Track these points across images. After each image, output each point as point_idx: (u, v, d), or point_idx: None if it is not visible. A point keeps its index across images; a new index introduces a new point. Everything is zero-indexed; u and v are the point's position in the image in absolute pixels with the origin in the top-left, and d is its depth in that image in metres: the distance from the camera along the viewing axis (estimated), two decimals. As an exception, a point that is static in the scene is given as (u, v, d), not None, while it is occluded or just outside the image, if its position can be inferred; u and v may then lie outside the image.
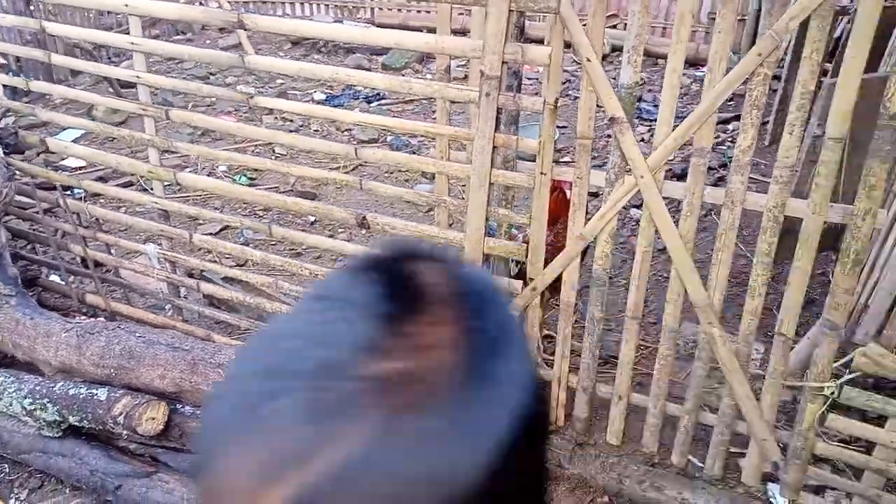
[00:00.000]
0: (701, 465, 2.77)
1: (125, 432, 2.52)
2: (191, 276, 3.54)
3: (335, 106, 6.88)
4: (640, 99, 6.32)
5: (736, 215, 2.36)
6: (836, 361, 2.36)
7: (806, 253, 2.29)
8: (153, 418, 2.54)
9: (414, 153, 5.80)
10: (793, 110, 2.15)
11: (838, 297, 2.28)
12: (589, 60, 2.38)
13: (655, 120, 2.42)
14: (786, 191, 2.26)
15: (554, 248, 2.75)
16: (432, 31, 2.78)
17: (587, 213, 2.64)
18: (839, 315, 2.30)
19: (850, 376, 2.30)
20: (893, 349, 2.23)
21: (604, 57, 7.61)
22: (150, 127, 3.09)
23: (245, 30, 2.62)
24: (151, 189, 3.23)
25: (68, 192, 3.59)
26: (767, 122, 5.89)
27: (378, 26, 9.92)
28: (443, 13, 2.59)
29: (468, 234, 2.60)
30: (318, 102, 6.92)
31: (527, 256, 2.72)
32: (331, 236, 4.48)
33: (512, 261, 2.95)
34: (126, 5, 2.84)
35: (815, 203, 2.22)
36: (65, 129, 5.49)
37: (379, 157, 2.67)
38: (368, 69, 7.89)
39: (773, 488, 2.65)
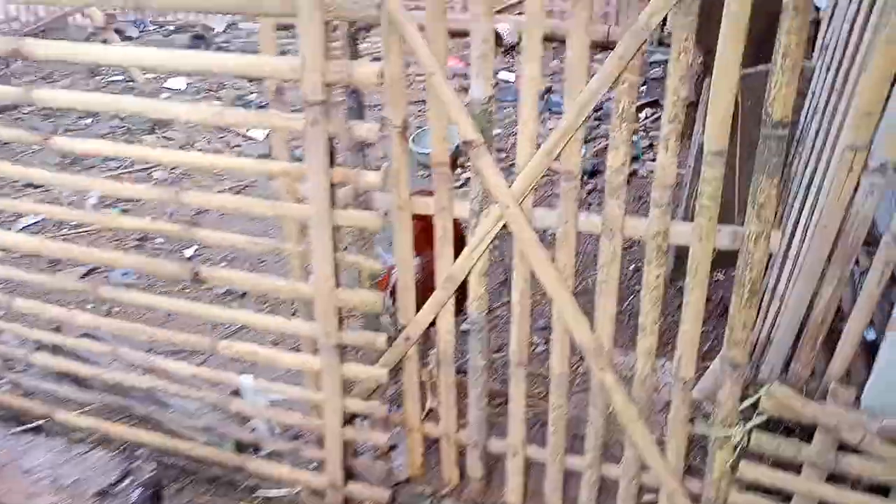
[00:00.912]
0: (611, 519, 2.45)
1: None
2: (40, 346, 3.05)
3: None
4: (549, 90, 5.99)
5: (616, 244, 2.02)
6: (743, 401, 2.06)
7: (697, 284, 1.96)
8: (-57, 547, 2.08)
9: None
10: (665, 122, 1.82)
11: (737, 333, 1.96)
12: (432, 74, 2.00)
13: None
14: (667, 214, 1.93)
15: (423, 288, 2.37)
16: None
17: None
18: (740, 352, 1.98)
19: (757, 421, 2.00)
20: (802, 387, 1.93)
21: (512, 47, 7.24)
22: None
23: (24, 59, 2.15)
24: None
25: None
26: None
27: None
28: (264, 29, 2.16)
29: (317, 287, 2.19)
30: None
31: (394, 303, 2.35)
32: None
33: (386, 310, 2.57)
34: None
35: (702, 227, 1.89)
36: None
37: (204, 202, 2.25)
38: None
39: (688, 542, 2.34)
